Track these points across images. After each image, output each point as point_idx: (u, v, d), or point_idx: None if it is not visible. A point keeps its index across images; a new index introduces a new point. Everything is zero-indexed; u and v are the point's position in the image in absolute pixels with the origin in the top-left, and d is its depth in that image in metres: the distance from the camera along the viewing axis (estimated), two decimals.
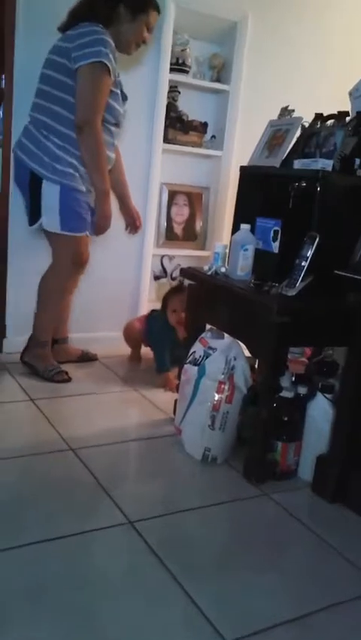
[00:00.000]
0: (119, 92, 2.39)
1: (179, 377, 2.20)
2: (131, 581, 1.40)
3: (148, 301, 3.16)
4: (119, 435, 2.14)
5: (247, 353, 2.00)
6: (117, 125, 2.46)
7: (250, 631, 1.27)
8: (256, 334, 1.88)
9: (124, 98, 2.46)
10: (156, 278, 3.25)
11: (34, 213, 2.44)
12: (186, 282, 2.30)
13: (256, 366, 2.09)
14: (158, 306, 2.88)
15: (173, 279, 3.25)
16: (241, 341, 2.00)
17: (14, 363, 2.70)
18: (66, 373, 2.63)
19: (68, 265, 2.52)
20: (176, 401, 2.22)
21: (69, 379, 2.61)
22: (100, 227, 2.47)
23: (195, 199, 3.24)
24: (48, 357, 2.65)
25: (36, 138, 2.35)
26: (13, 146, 2.48)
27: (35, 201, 2.41)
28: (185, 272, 2.26)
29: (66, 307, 2.78)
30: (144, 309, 3.11)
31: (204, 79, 3.10)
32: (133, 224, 2.81)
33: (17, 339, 2.78)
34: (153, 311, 2.90)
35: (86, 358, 2.89)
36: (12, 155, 2.48)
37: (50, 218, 2.41)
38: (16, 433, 2.09)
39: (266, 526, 1.71)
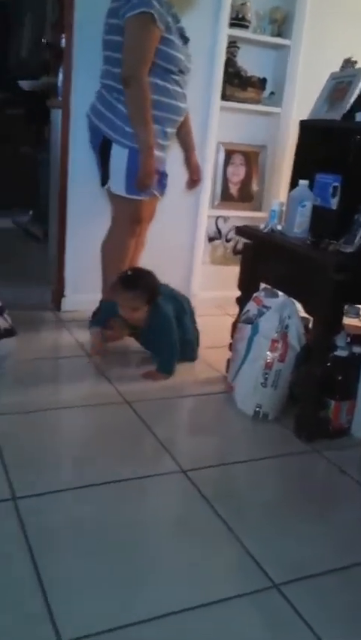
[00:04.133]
0: (173, 37, 2.30)
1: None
2: (182, 523, 1.45)
3: (202, 263, 3.17)
4: (172, 391, 2.19)
5: (300, 313, 1.99)
6: (182, 72, 2.40)
7: (297, 576, 1.30)
8: (312, 292, 1.86)
9: (185, 41, 2.38)
10: (211, 239, 3.24)
11: (105, 175, 2.48)
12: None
13: (310, 325, 2.08)
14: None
15: (227, 240, 3.23)
16: (296, 299, 1.99)
17: (72, 320, 2.78)
18: None
19: (126, 226, 2.54)
20: (229, 359, 2.24)
21: None
22: (141, 182, 2.36)
23: (251, 158, 3.18)
24: None
25: (108, 102, 2.36)
26: (87, 111, 2.47)
27: (105, 163, 2.44)
28: (240, 230, 2.25)
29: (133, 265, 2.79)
30: (198, 272, 3.12)
31: (264, 33, 3.01)
32: (191, 179, 2.77)
33: (75, 297, 2.85)
34: None
35: None
36: (87, 120, 2.48)
37: (117, 181, 2.43)
38: (73, 386, 2.17)
39: (316, 480, 1.72)
